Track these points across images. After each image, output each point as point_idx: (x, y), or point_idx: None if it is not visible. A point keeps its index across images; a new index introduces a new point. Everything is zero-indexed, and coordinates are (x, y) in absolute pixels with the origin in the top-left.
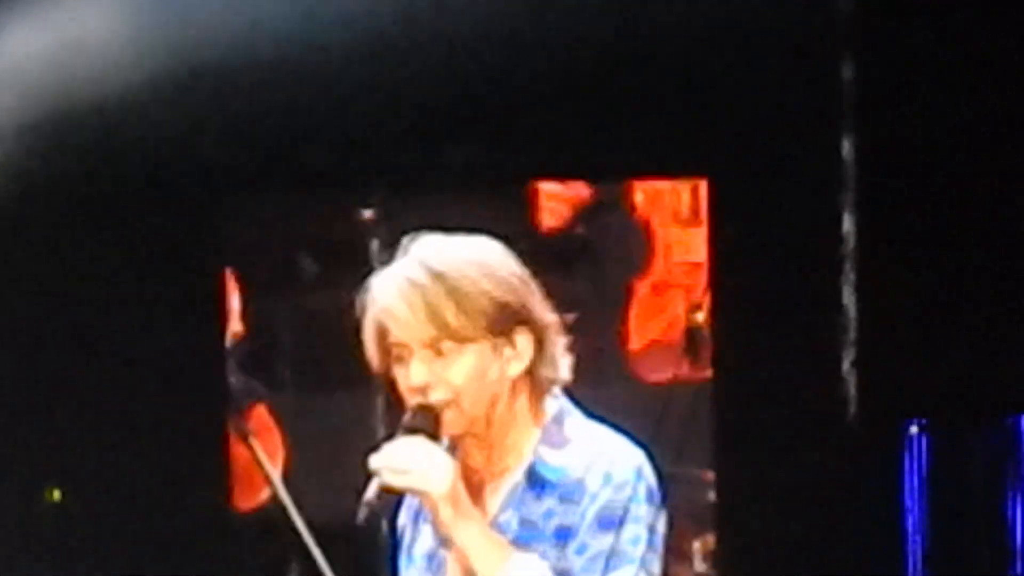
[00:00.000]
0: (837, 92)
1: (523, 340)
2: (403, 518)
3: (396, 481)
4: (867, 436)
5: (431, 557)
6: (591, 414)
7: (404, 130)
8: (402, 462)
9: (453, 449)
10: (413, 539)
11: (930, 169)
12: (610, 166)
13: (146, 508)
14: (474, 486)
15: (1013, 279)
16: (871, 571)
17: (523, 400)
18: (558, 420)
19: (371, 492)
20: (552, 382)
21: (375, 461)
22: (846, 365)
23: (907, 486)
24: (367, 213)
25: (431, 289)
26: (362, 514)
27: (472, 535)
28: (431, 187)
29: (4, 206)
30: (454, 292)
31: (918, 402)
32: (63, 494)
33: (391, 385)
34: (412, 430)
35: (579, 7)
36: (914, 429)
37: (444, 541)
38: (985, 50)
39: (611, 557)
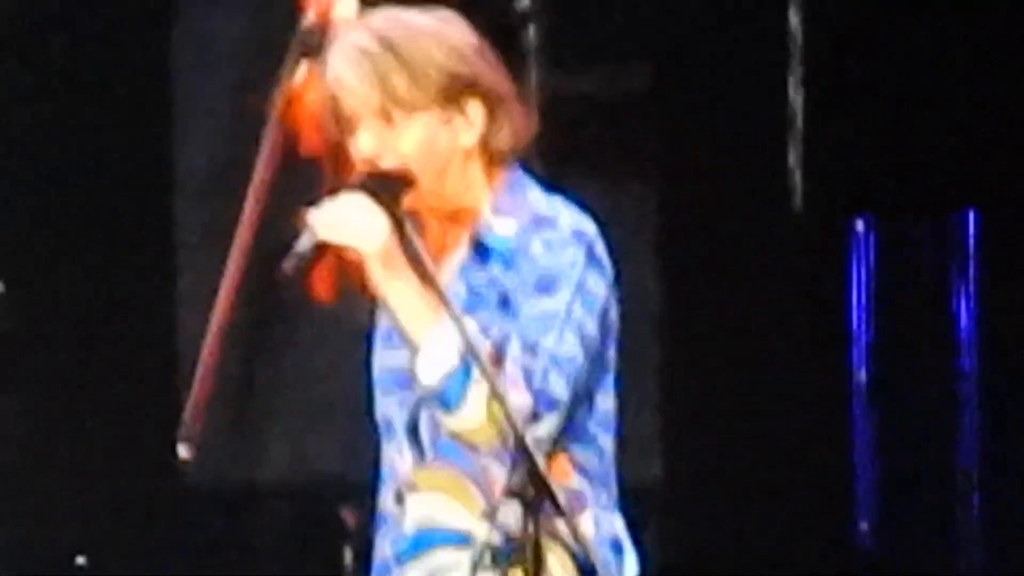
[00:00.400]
0: None
1: (474, 110)
2: None
3: (329, 235)
4: (813, 231)
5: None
6: (549, 188)
7: None
8: (338, 217)
9: (413, 224)
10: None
11: None
12: None
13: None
14: (434, 260)
15: (960, 71)
16: (816, 364)
17: (476, 171)
18: (510, 190)
19: (303, 243)
20: (505, 154)
21: (312, 215)
22: (792, 159)
23: (853, 281)
24: None
25: (380, 57)
26: (289, 263)
27: (401, 295)
28: None
29: None
30: (403, 60)
31: (864, 197)
32: None
33: (344, 163)
34: (356, 189)
35: None
36: (860, 224)
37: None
38: None
39: (542, 319)
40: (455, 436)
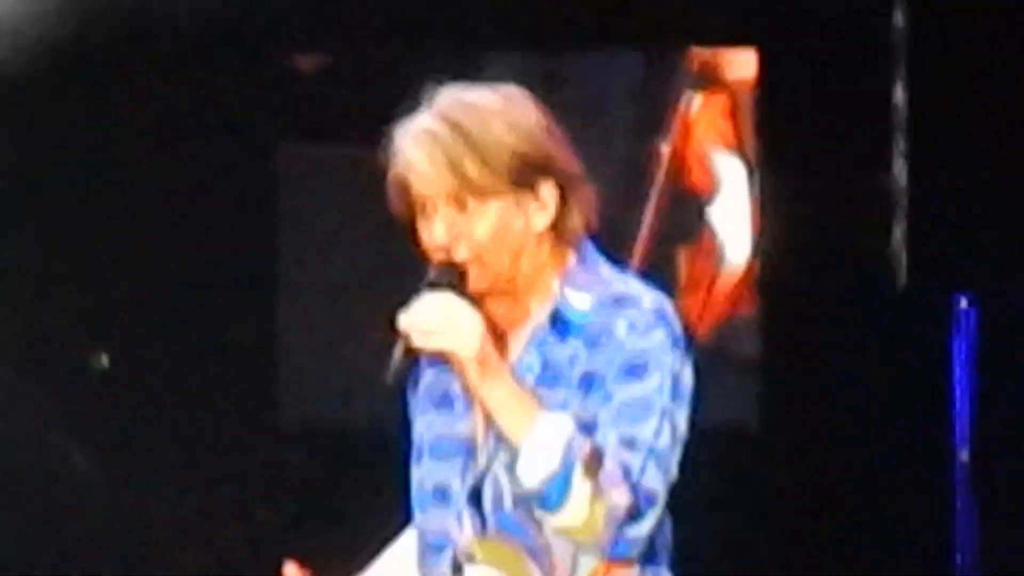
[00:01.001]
0: None
1: (547, 192)
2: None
3: (424, 342)
4: (916, 308)
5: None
6: (615, 263)
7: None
8: (430, 322)
9: (478, 303)
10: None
11: (984, 36)
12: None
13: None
14: (497, 335)
15: None
16: (919, 442)
17: (547, 251)
18: (582, 264)
19: (397, 355)
20: (577, 232)
21: (403, 321)
22: (897, 236)
23: (956, 358)
24: None
25: (452, 142)
26: (390, 377)
27: (500, 396)
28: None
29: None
30: (474, 143)
31: (968, 274)
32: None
33: (416, 239)
34: (437, 286)
35: None
36: (963, 301)
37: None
38: None
39: (639, 407)
40: (557, 532)
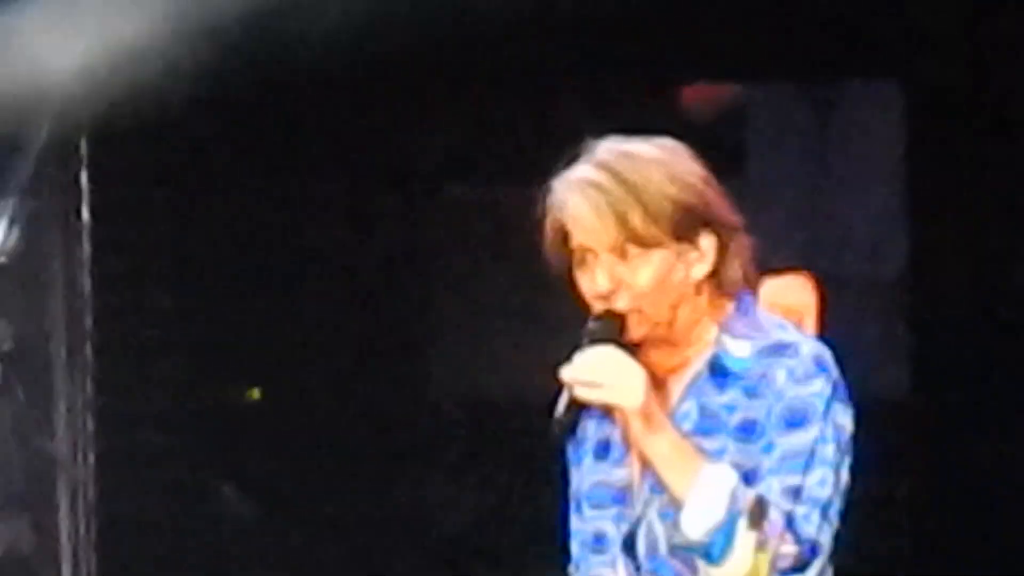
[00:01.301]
0: None
1: (707, 242)
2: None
3: (589, 395)
4: None
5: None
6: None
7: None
8: (594, 375)
9: (636, 351)
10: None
11: None
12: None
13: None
14: (656, 382)
15: None
16: None
17: (706, 300)
18: (741, 312)
19: (561, 407)
20: (736, 283)
21: (566, 374)
22: None
23: None
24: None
25: (615, 192)
26: (555, 430)
27: (663, 449)
28: None
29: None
30: (639, 195)
31: None
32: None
33: (573, 288)
34: (599, 339)
35: None
36: None
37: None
38: None
39: (801, 457)
40: None
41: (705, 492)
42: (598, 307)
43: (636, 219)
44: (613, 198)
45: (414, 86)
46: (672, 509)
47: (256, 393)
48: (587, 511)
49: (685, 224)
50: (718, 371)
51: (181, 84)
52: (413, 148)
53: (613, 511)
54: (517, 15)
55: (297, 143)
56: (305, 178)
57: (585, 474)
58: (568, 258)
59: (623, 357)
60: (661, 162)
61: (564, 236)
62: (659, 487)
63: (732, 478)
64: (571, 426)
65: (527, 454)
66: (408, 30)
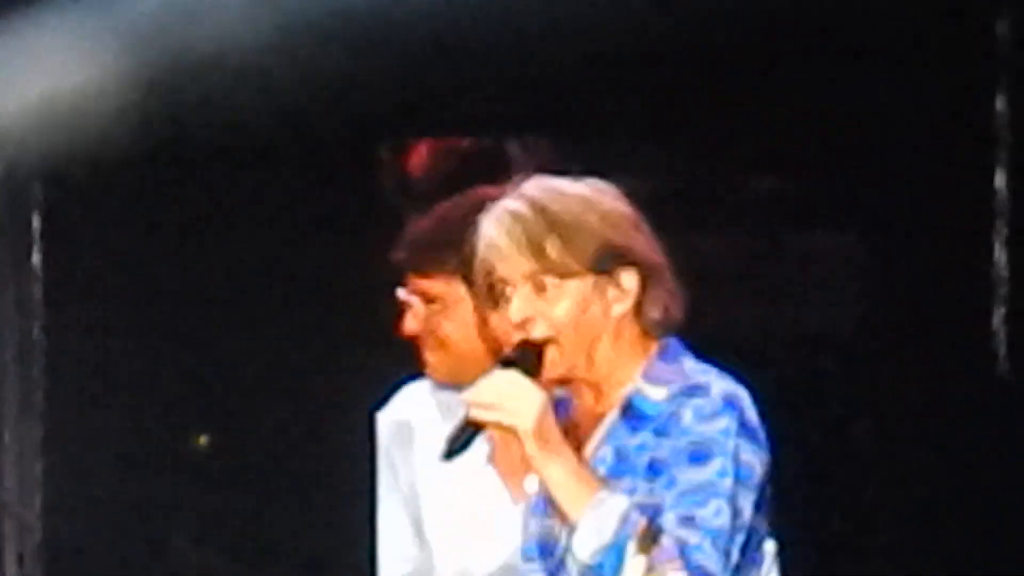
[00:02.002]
0: (992, 50)
1: (629, 280)
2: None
3: (483, 416)
4: (1017, 391)
5: None
6: (703, 359)
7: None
8: (491, 396)
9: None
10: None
11: None
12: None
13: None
14: (584, 428)
15: None
16: (1017, 529)
17: (628, 341)
18: (663, 358)
19: (456, 426)
20: (658, 324)
21: (466, 396)
22: (996, 321)
23: None
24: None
25: (534, 222)
26: (445, 448)
27: (558, 474)
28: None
29: (143, 157)
30: (557, 226)
31: None
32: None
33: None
34: (508, 364)
35: None
36: None
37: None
38: None
39: (698, 490)
40: None
41: (595, 515)
42: (516, 337)
43: (553, 250)
44: (531, 227)
45: (353, 138)
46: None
47: (203, 440)
48: (521, 564)
49: (605, 259)
50: (632, 414)
51: (134, 128)
52: (355, 197)
53: (539, 564)
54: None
55: (249, 188)
56: (256, 224)
57: (522, 529)
58: (492, 292)
59: (523, 381)
60: (585, 197)
61: (488, 269)
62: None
63: (624, 503)
64: (462, 446)
65: None
66: (347, 84)
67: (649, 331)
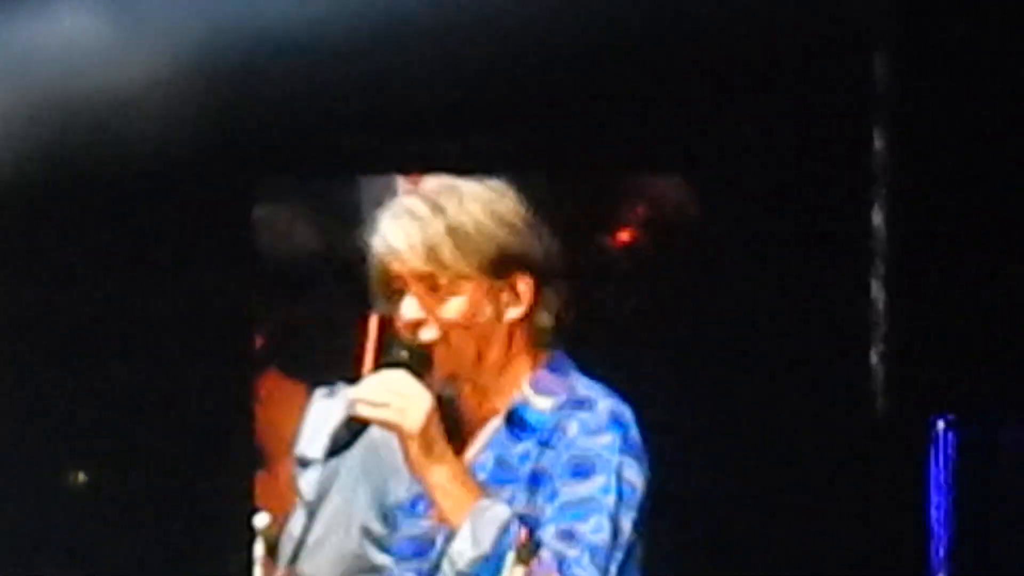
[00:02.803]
0: (870, 87)
1: (523, 286)
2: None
3: (369, 413)
4: (894, 431)
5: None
6: (591, 375)
7: (439, 115)
8: (379, 395)
9: (448, 391)
10: None
11: (964, 161)
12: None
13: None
14: (467, 430)
15: None
16: (894, 567)
17: (519, 347)
18: (551, 369)
19: (339, 422)
20: (548, 332)
21: (353, 392)
22: (874, 359)
23: (933, 482)
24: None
25: (430, 224)
26: (328, 444)
27: (440, 477)
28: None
29: (24, 194)
30: (453, 229)
31: (946, 398)
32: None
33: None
34: (397, 364)
35: None
36: (941, 425)
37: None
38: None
39: (580, 505)
40: None
41: (476, 523)
42: (406, 336)
43: (447, 251)
44: (427, 228)
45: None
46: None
47: (80, 476)
48: (395, 563)
49: (500, 263)
50: (516, 423)
51: (12, 161)
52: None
53: (414, 564)
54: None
55: (129, 224)
56: (135, 258)
57: (396, 529)
58: (388, 291)
59: (412, 382)
60: (484, 199)
61: (384, 268)
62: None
63: (505, 513)
64: (345, 443)
65: None
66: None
67: (540, 338)
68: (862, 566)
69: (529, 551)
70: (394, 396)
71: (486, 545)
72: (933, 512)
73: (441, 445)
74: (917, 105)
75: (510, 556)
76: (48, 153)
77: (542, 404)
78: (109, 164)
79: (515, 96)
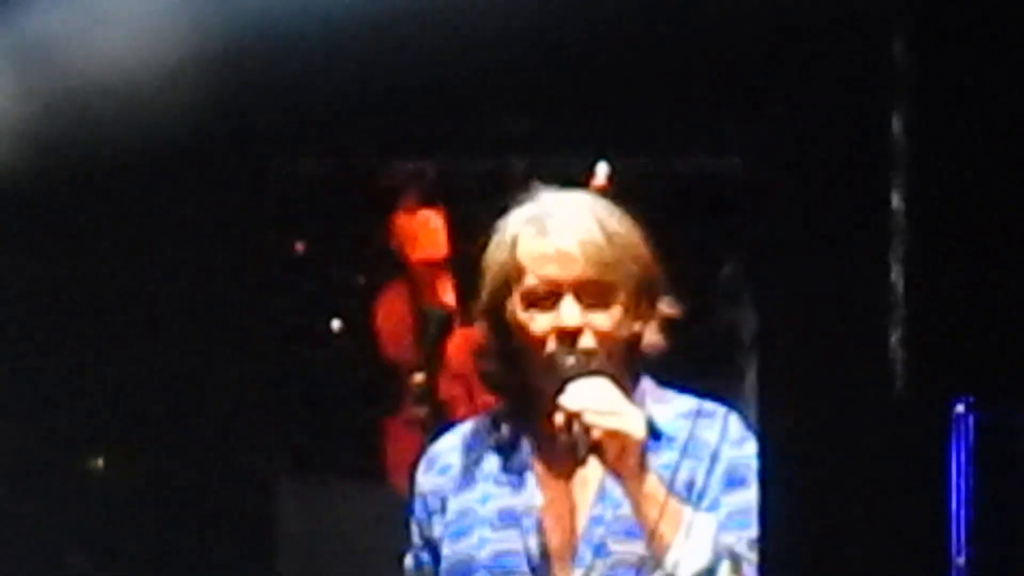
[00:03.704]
0: (888, 70)
1: (664, 304)
2: (431, 480)
3: (601, 422)
4: (913, 413)
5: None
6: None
7: (455, 98)
8: (606, 404)
9: None
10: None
11: (984, 145)
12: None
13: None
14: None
15: None
16: (914, 549)
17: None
18: (652, 381)
19: (577, 435)
20: (653, 348)
21: (572, 403)
22: (893, 341)
23: (953, 465)
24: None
25: (604, 245)
26: (571, 452)
27: (651, 486)
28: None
29: (45, 177)
30: (622, 252)
31: (966, 380)
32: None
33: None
34: (586, 372)
35: None
36: (961, 407)
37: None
38: None
39: (746, 514)
40: None
41: (693, 535)
42: (553, 345)
43: (612, 259)
44: (603, 248)
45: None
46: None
47: (100, 462)
48: (488, 534)
49: (642, 287)
50: (654, 434)
51: (17, 145)
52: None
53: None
54: None
55: (141, 207)
56: (151, 242)
57: (490, 501)
58: (508, 292)
59: (617, 390)
60: (637, 231)
61: (517, 274)
62: (606, 551)
63: (713, 522)
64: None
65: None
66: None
67: (647, 353)
68: (882, 548)
69: (738, 561)
70: (618, 404)
71: (706, 557)
72: (953, 494)
73: (645, 454)
74: (936, 88)
75: (725, 565)
76: (66, 141)
77: (666, 413)
78: (118, 147)
79: (532, 81)
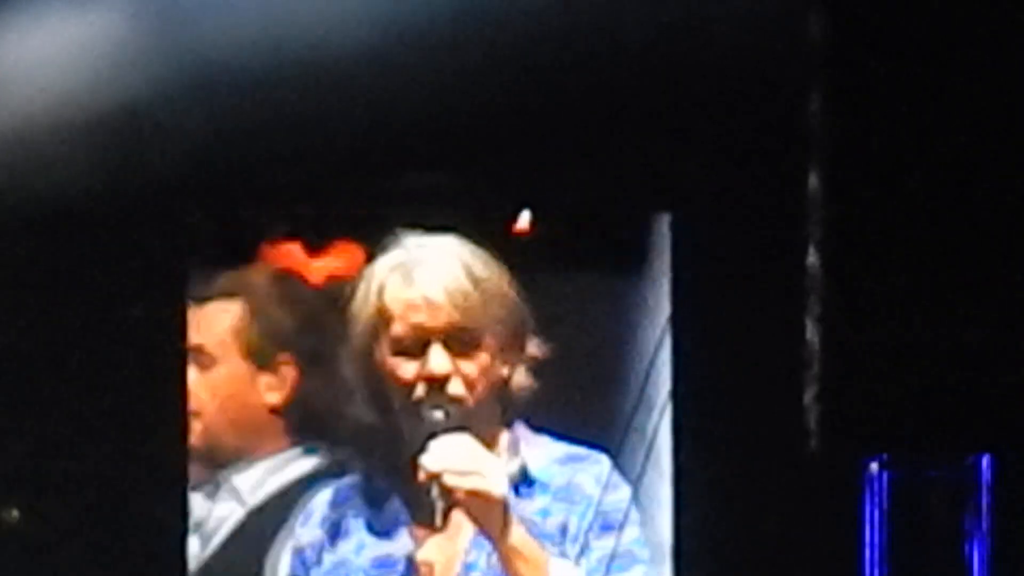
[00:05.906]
0: (804, 129)
1: (517, 355)
2: (309, 533)
3: (461, 483)
4: (827, 471)
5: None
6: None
7: (374, 153)
8: (464, 463)
9: None
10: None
11: (898, 206)
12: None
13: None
14: None
15: (977, 317)
16: None
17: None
18: (523, 427)
19: (436, 496)
20: (523, 390)
21: (432, 463)
22: (807, 399)
23: (866, 522)
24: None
25: (471, 291)
26: (439, 520)
27: (516, 539)
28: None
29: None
30: (488, 298)
31: (879, 438)
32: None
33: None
34: (454, 428)
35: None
36: (874, 466)
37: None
38: (961, 83)
39: (618, 558)
40: None
41: None
42: (422, 391)
43: (479, 304)
44: (468, 294)
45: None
46: None
47: (15, 513)
48: None
49: (510, 331)
50: (526, 480)
51: None
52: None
53: None
54: None
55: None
56: (61, 292)
57: (364, 552)
58: (379, 340)
59: (479, 445)
60: (506, 280)
61: (388, 318)
62: None
63: (578, 572)
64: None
65: None
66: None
67: (518, 397)
68: None
69: None
70: (478, 462)
71: None
72: (867, 551)
73: (508, 508)
74: (852, 148)
75: None
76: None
77: (539, 460)
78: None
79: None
